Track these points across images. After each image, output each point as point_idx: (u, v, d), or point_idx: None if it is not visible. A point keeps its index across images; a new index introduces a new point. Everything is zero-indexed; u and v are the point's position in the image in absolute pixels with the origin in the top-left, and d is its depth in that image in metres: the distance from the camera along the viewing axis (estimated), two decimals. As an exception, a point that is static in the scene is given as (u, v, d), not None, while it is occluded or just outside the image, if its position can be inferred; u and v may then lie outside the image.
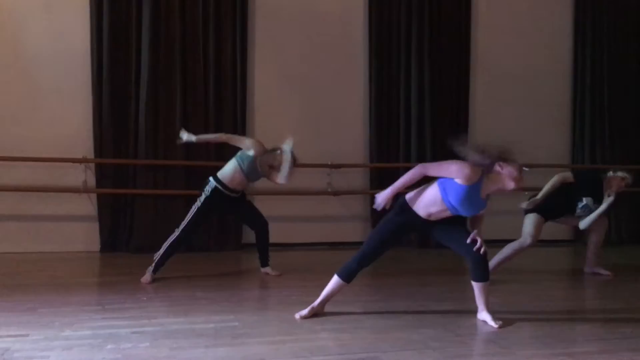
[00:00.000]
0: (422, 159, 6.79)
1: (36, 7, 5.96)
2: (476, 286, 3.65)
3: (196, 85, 6.24)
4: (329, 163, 6.58)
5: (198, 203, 4.65)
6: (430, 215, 3.55)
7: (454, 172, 3.36)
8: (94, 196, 6.06)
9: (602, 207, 4.98)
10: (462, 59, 7.00)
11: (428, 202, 3.52)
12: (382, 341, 3.23)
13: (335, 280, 3.67)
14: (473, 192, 3.39)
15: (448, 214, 3.52)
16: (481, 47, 7.14)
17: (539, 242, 7.14)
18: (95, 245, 6.01)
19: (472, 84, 7.10)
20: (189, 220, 4.63)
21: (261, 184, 6.48)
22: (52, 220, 5.97)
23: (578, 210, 5.05)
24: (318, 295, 3.72)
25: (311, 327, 3.46)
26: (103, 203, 6.05)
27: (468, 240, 3.54)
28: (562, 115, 7.45)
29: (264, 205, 6.55)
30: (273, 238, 6.34)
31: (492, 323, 3.54)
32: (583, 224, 5.06)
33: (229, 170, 4.68)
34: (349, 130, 6.78)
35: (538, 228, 4.93)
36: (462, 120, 7.00)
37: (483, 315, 3.64)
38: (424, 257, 6.09)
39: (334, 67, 6.71)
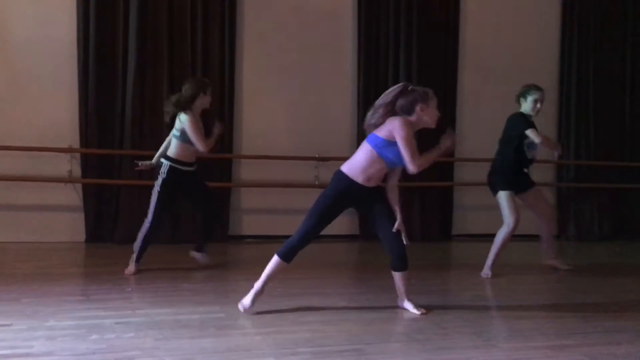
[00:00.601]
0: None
1: (22, -6, 5.89)
2: (395, 275, 3.73)
3: (183, 75, 6.18)
4: (317, 156, 6.59)
5: (157, 188, 4.59)
6: (369, 178, 3.55)
7: (409, 132, 3.48)
8: (79, 186, 6.02)
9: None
10: (450, 54, 7.01)
11: (366, 165, 3.54)
12: (367, 333, 3.25)
13: (275, 260, 3.59)
14: None
15: (385, 170, 3.58)
16: (469, 43, 7.16)
17: (520, 236, 7.25)
18: (81, 236, 5.98)
19: (460, 80, 7.12)
20: (155, 208, 4.58)
21: (248, 176, 6.51)
22: (37, 210, 5.92)
23: (527, 151, 4.95)
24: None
25: (296, 319, 3.48)
26: (88, 193, 6.01)
27: (394, 229, 3.61)
28: (548, 112, 7.49)
29: (251, 198, 6.58)
30: (260, 230, 6.39)
31: (414, 310, 3.65)
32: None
33: (174, 147, 4.63)
34: (336, 123, 6.78)
35: (513, 203, 4.85)
36: (450, 115, 7.02)
37: (405, 303, 3.73)
38: (408, 251, 6.11)
39: (323, 60, 6.70)
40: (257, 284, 3.60)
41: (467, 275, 5.03)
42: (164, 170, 4.61)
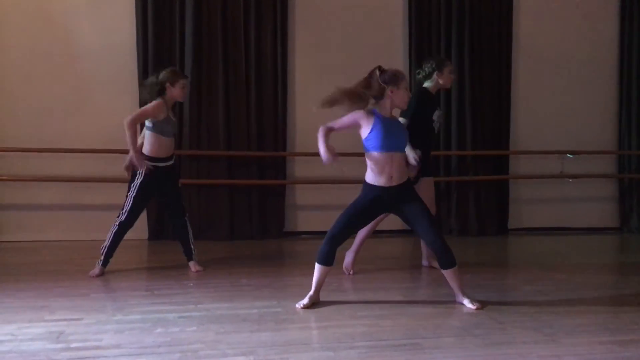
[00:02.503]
0: (462, 147, 6.74)
1: (85, 5, 6.14)
2: (444, 273, 3.71)
3: (238, 77, 6.33)
4: (370, 152, 6.58)
5: (133, 190, 4.44)
6: (391, 176, 3.58)
7: (353, 117, 3.61)
8: (141, 186, 6.23)
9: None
10: (504, 45, 6.87)
11: (373, 165, 3.61)
12: (423, 328, 3.25)
13: (317, 268, 3.68)
14: (383, 124, 3.57)
15: (391, 158, 3.58)
16: (523, 33, 6.99)
17: (585, 229, 7.05)
18: (144, 234, 6.19)
19: (514, 70, 6.97)
20: (129, 210, 4.46)
21: (302, 173, 6.58)
22: (102, 209, 6.16)
23: (435, 128, 4.60)
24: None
25: (353, 314, 3.51)
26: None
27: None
28: (608, 101, 7.26)
29: (306, 194, 6.64)
30: (315, 226, 6.44)
31: (470, 305, 3.63)
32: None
33: (149, 141, 4.44)
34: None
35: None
36: (504, 109, 6.90)
37: (460, 298, 3.72)
38: (464, 246, 6.06)
39: (374, 58, 6.58)
40: (312, 292, 3.69)
41: (526, 269, 4.94)
42: (141, 170, 4.41)
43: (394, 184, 3.60)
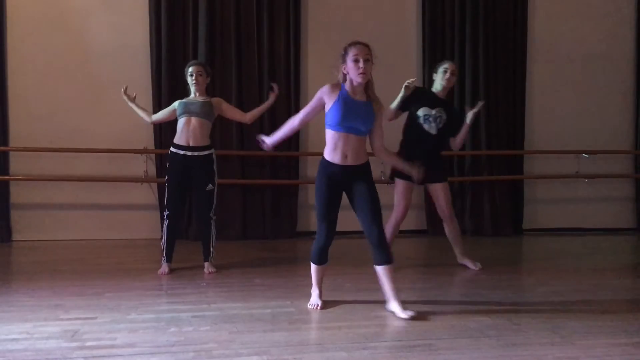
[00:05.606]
0: (476, 147, 6.70)
1: (98, 5, 6.18)
2: (377, 270, 3.52)
3: (250, 76, 6.34)
4: (383, 151, 6.55)
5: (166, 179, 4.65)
6: (345, 155, 3.45)
7: (318, 96, 3.49)
8: (155, 185, 6.26)
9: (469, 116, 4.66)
10: (519, 43, 6.82)
11: (329, 142, 3.49)
12: (438, 328, 3.23)
13: (313, 268, 3.67)
14: (344, 103, 3.41)
15: (346, 138, 3.44)
16: (538, 32, 6.93)
17: (601, 230, 6.98)
18: (157, 233, 6.18)
19: (529, 70, 6.92)
20: (167, 199, 4.60)
21: (315, 172, 6.55)
22: (115, 209, 6.21)
23: (425, 126, 4.71)
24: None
25: (366, 314, 3.50)
26: (163, 192, 6.21)
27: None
28: (624, 99, 7.18)
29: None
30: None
31: (401, 314, 3.37)
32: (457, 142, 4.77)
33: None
34: (402, 121, 6.71)
35: (405, 194, 4.72)
36: (519, 108, 6.85)
37: (391, 305, 3.46)
38: (478, 246, 6.02)
39: (388, 57, 6.56)
40: (318, 292, 3.68)
41: (541, 270, 4.90)
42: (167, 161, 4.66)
43: (347, 164, 3.48)
